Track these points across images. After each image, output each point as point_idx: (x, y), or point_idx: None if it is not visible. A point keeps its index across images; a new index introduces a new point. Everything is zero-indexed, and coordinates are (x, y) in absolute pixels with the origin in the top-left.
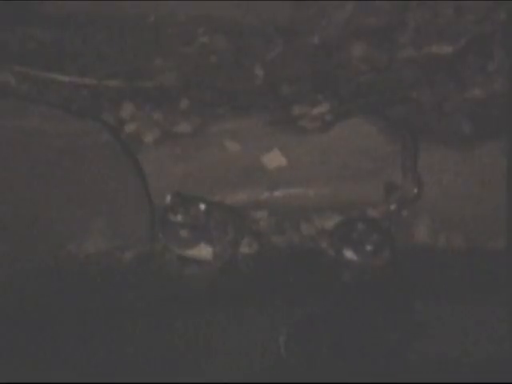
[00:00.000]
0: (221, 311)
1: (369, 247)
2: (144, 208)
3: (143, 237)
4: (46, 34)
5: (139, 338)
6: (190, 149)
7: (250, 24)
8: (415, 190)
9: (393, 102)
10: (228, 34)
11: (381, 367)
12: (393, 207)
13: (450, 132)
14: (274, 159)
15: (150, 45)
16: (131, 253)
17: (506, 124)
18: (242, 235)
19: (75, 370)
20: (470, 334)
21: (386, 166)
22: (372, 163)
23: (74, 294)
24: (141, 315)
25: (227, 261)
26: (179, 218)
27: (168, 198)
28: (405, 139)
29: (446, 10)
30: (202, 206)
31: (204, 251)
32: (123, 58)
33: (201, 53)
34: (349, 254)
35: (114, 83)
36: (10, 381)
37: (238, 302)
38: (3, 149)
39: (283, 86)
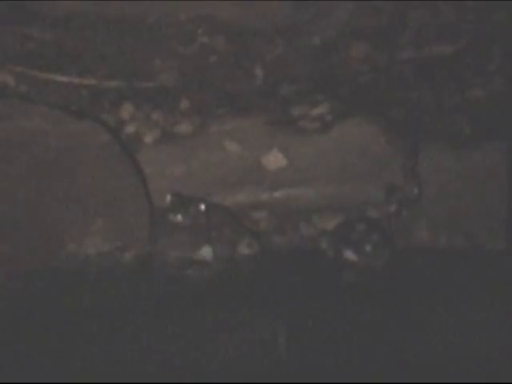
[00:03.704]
0: (221, 311)
1: (369, 247)
2: (144, 208)
3: (143, 237)
4: (46, 34)
5: (139, 337)
6: (189, 149)
7: (250, 24)
8: (415, 191)
9: (393, 102)
10: (228, 34)
11: (381, 367)
12: (393, 208)
13: (450, 132)
14: (274, 159)
15: (150, 45)
16: (131, 253)
17: (506, 124)
18: (241, 236)
19: (75, 370)
20: (470, 334)
21: (386, 166)
22: (372, 163)
23: (74, 294)
24: (141, 315)
25: (227, 261)
26: (179, 218)
27: (168, 198)
28: (405, 139)
29: (446, 9)
30: (202, 207)
31: (204, 251)
32: (123, 58)
33: (201, 53)
34: (349, 254)
35: (114, 83)
36: (10, 381)
37: (237, 302)
38: (3, 149)
39: (283, 86)
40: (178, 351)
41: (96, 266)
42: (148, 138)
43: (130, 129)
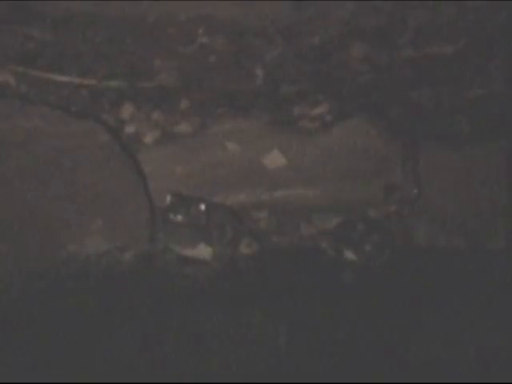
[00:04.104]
0: (221, 311)
1: (369, 247)
2: (144, 208)
3: (143, 237)
4: (46, 34)
5: (139, 337)
6: (189, 149)
7: (250, 24)
8: (415, 191)
9: (393, 102)
10: (228, 34)
11: (381, 367)
12: (393, 208)
13: (449, 132)
14: (274, 159)
15: (150, 45)
16: (131, 253)
17: (506, 124)
18: (241, 235)
19: (75, 370)
20: (470, 334)
21: (386, 166)
22: (372, 163)
23: (74, 294)
24: (141, 315)
25: (227, 261)
26: (179, 218)
27: (168, 198)
28: (405, 139)
29: (446, 9)
30: (202, 206)
31: (204, 251)
32: (123, 58)
33: (201, 53)
34: (349, 254)
35: (114, 83)
36: (10, 381)
37: (238, 302)
38: (3, 149)
39: (283, 86)
40: (177, 351)
41: (96, 266)
42: (148, 138)
43: (129, 129)
